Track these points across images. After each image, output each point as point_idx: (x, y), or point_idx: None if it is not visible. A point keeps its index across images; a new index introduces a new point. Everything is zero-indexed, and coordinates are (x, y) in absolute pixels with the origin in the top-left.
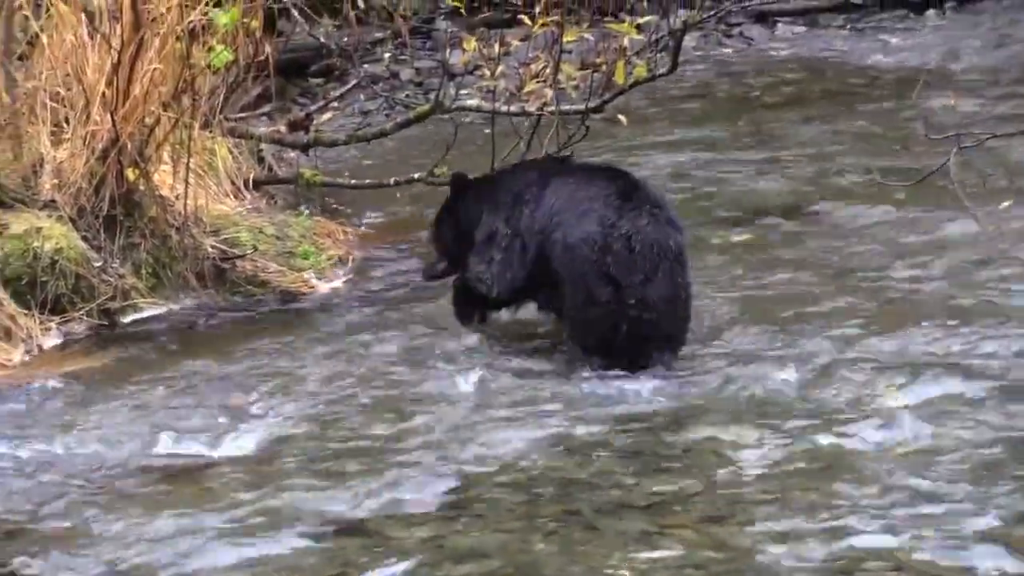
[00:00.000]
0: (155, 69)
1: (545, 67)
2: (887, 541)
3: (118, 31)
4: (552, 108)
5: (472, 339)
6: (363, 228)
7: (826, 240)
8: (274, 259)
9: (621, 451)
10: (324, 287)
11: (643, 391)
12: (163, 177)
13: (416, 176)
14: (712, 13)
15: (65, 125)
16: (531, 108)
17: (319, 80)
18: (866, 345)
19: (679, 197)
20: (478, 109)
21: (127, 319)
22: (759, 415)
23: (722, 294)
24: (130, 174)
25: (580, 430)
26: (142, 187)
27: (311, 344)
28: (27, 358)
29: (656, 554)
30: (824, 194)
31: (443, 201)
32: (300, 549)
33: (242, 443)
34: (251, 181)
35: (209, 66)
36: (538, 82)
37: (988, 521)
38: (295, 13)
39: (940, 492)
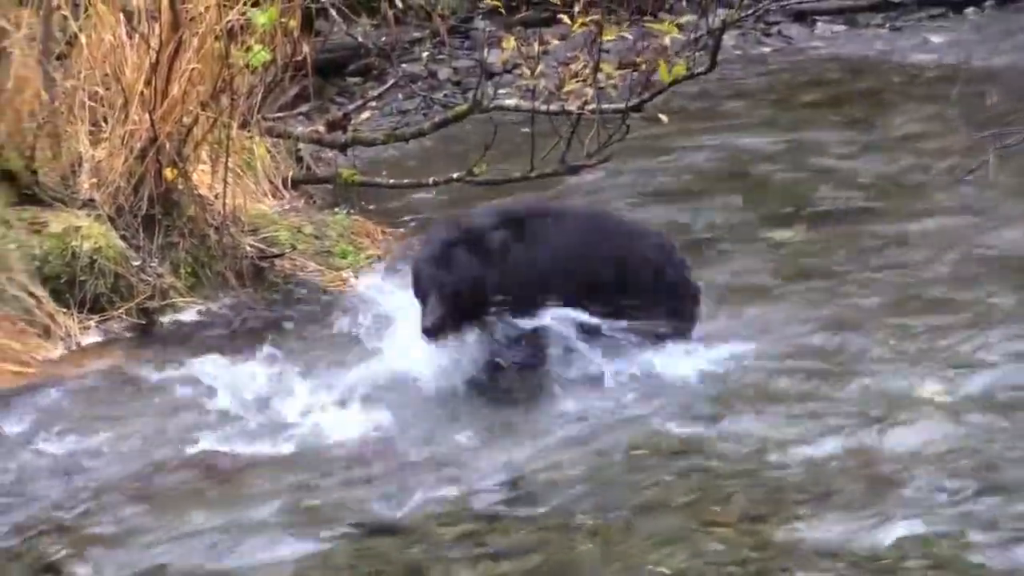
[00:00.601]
0: (193, 69)
1: (584, 66)
2: (929, 538)
3: (156, 31)
4: (592, 107)
5: None
6: (401, 228)
7: (871, 236)
8: (312, 258)
9: (659, 450)
10: (362, 286)
11: (680, 389)
12: (201, 176)
13: (455, 176)
14: (751, 12)
15: (104, 124)
16: (571, 107)
17: (357, 80)
18: (909, 341)
19: (719, 195)
20: (517, 108)
21: (166, 318)
22: (799, 411)
23: (764, 288)
24: (168, 173)
25: (615, 428)
26: (180, 186)
27: (349, 343)
28: (66, 356)
29: (696, 552)
30: (868, 191)
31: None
32: (338, 547)
33: (280, 442)
34: (289, 180)
35: (247, 66)
36: (577, 81)
37: None
38: (333, 13)
39: (983, 488)
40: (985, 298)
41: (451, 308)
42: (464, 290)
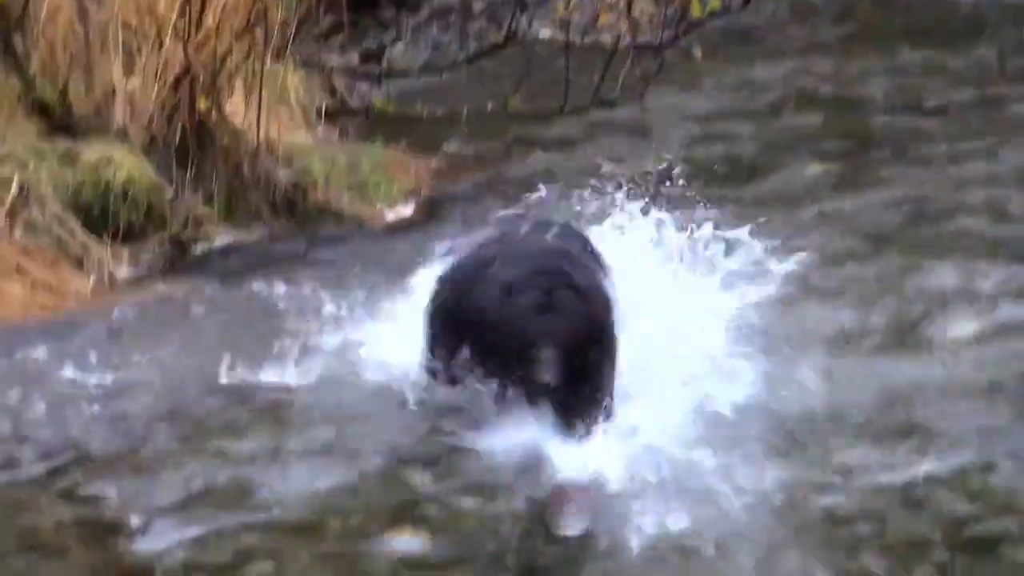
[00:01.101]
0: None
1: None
2: (958, 471)
3: None
4: (626, 41)
5: None
6: (435, 161)
7: (902, 171)
8: (345, 190)
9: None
10: (395, 218)
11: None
12: (235, 107)
13: (489, 107)
14: None
15: (137, 55)
16: (605, 41)
17: (391, 11)
18: (933, 275)
19: (755, 130)
20: (551, 41)
21: (199, 248)
22: (821, 344)
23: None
24: (201, 104)
25: None
26: (214, 117)
27: (382, 274)
28: (99, 286)
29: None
30: (899, 126)
31: None
32: (371, 478)
33: (315, 371)
34: (323, 112)
35: None
36: (613, 14)
37: None
38: None
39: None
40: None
41: None
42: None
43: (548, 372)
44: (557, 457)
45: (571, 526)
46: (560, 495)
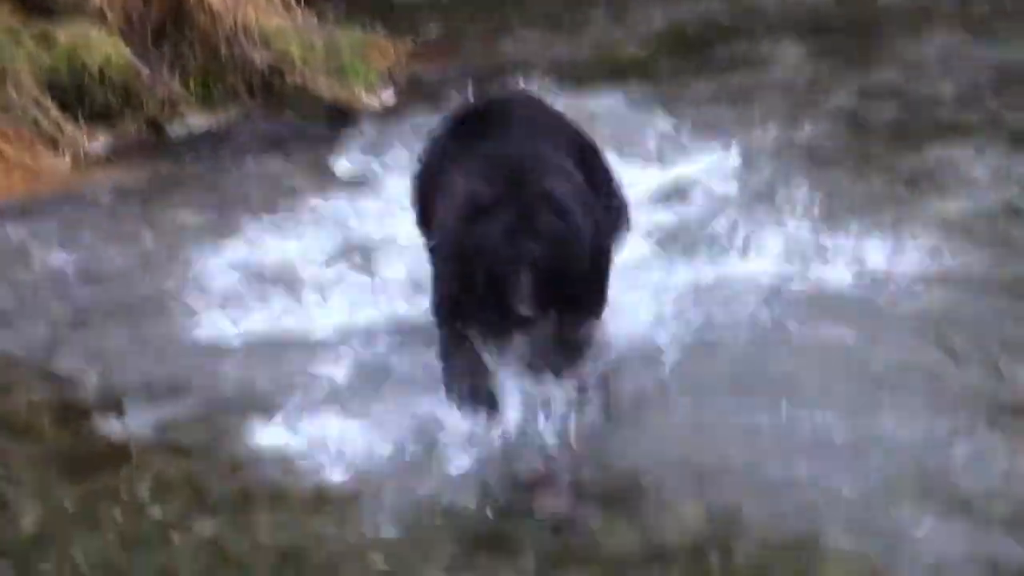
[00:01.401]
0: None
1: None
2: None
3: None
4: None
5: None
6: (413, 45)
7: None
8: (323, 73)
9: None
10: (373, 102)
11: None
12: None
13: None
14: None
15: None
16: None
17: None
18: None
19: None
20: None
21: (174, 130)
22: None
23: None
24: None
25: None
26: None
27: (358, 157)
28: (74, 167)
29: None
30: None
31: None
32: (335, 356)
33: (287, 250)
34: None
35: None
36: None
37: None
38: None
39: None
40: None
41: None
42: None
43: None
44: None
45: (548, 509)
46: (538, 479)
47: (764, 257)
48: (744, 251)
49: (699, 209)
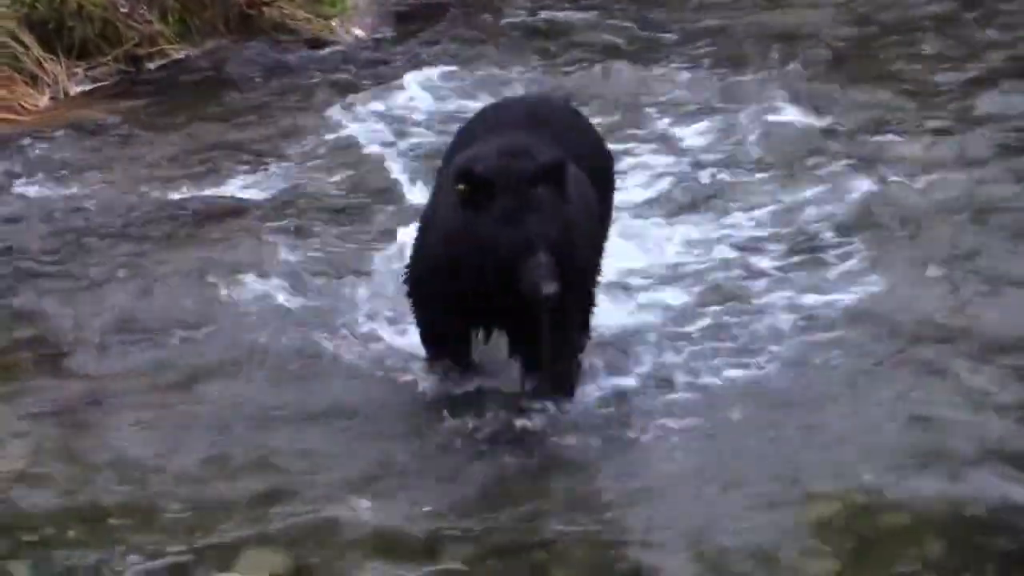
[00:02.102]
0: None
1: None
2: None
3: None
4: None
5: None
6: None
7: None
8: (300, 6)
9: None
10: (349, 35)
11: None
12: None
13: None
14: None
15: None
16: None
17: None
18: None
19: None
20: None
21: (153, 64)
22: None
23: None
24: None
25: None
26: None
27: (333, 92)
28: (53, 103)
29: None
30: None
31: None
32: (313, 290)
33: (263, 187)
34: None
35: None
36: None
37: None
38: None
39: None
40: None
41: None
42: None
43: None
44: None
45: None
46: None
47: None
48: None
49: None
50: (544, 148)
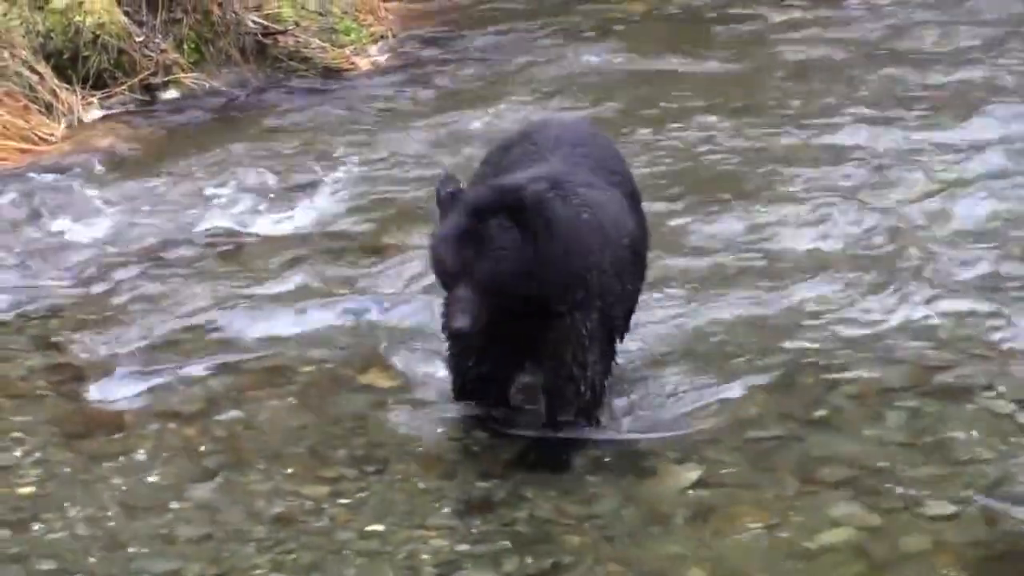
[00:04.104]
0: None
1: None
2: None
3: None
4: None
5: None
6: (406, 5)
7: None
8: (316, 35)
9: None
10: (365, 64)
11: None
12: None
13: None
14: None
15: None
16: None
17: None
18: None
19: None
20: None
21: (168, 94)
22: None
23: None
24: None
25: None
26: None
27: (351, 121)
28: (69, 133)
29: None
30: None
31: None
32: (338, 321)
33: (284, 219)
34: None
35: None
36: None
37: None
38: None
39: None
40: None
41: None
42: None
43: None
44: None
45: None
46: None
47: None
48: None
49: None
50: (550, 179)
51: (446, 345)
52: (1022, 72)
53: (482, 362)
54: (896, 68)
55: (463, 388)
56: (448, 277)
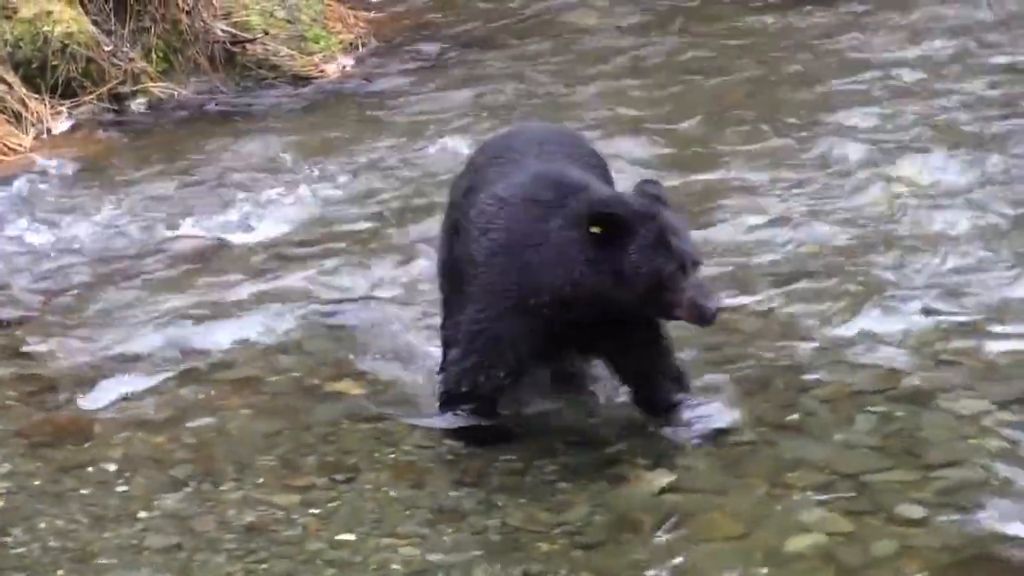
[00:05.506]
0: None
1: None
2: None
3: None
4: None
5: None
6: (374, 13)
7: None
8: (285, 43)
9: None
10: (335, 71)
11: None
12: None
13: None
14: None
15: None
16: None
17: None
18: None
19: None
20: None
21: (137, 103)
22: None
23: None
24: None
25: None
26: None
27: (321, 129)
28: (38, 142)
29: None
30: None
31: None
32: (304, 327)
33: (251, 228)
34: None
35: None
36: None
37: None
38: None
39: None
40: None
41: None
42: None
43: None
44: None
45: None
46: None
47: None
48: None
49: None
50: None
51: (456, 351)
52: (986, 81)
53: (511, 370)
54: (860, 73)
55: (464, 395)
56: (695, 265)
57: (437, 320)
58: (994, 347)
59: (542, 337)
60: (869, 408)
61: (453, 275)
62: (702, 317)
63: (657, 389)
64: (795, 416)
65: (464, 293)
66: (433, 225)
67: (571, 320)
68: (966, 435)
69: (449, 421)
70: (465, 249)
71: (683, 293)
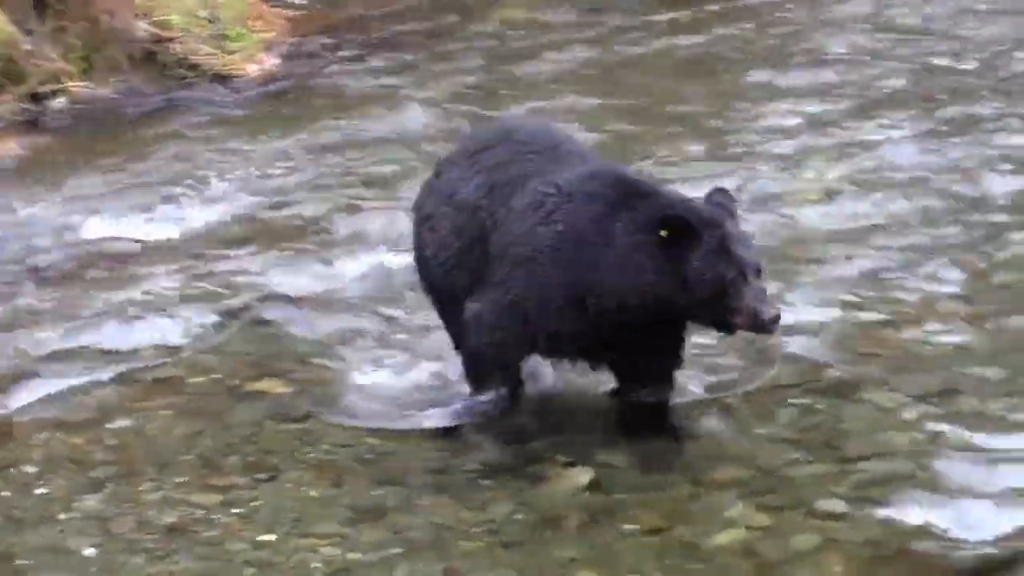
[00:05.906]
0: None
1: None
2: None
3: None
4: None
5: None
6: (294, 12)
7: None
8: (205, 42)
9: None
10: (255, 70)
11: None
12: None
13: None
14: None
15: None
16: None
17: None
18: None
19: None
20: None
21: (57, 103)
22: None
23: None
24: None
25: None
26: None
27: (241, 127)
28: None
29: None
30: None
31: None
32: (231, 323)
33: (174, 224)
34: None
35: None
36: None
37: None
38: None
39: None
40: None
41: None
42: None
43: None
44: None
45: None
46: None
47: None
48: None
49: None
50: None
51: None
52: (926, 73)
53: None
54: (790, 70)
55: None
56: (756, 273)
57: (360, 318)
58: (915, 339)
59: (588, 339)
60: (790, 401)
61: (463, 272)
62: (761, 325)
63: (656, 389)
64: (715, 410)
65: (489, 283)
66: (355, 224)
67: (620, 322)
68: (887, 428)
69: (372, 421)
70: (509, 236)
71: (743, 300)
